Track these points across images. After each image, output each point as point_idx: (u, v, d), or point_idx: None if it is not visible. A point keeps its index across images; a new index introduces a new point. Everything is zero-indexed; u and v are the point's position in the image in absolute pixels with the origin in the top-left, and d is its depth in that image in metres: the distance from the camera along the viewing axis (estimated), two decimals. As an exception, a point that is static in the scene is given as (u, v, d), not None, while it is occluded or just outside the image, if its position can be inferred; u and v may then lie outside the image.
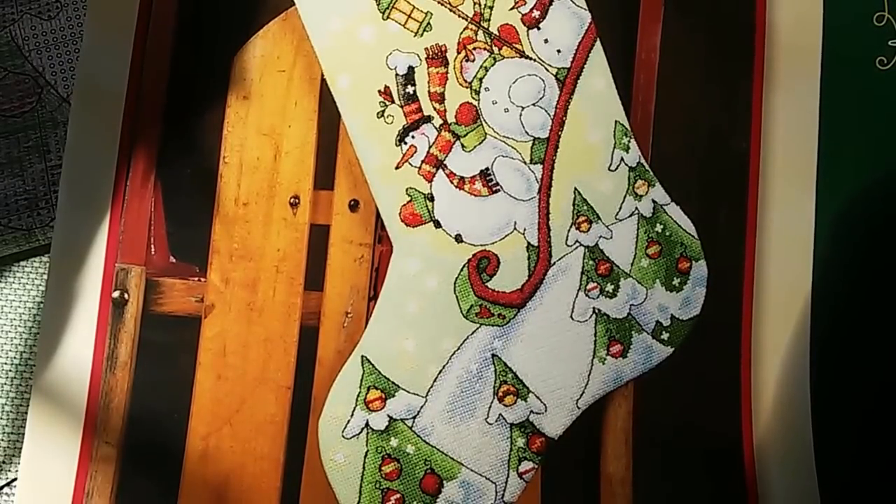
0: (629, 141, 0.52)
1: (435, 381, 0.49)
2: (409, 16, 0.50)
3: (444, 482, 0.49)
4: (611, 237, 0.51)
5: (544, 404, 0.50)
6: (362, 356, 0.49)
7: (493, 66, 0.51)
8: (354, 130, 0.50)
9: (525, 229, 0.51)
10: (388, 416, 0.49)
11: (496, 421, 0.50)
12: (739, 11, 0.55)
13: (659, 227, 0.52)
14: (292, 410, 0.51)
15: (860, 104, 0.55)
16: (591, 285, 0.51)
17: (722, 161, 0.54)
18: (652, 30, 0.54)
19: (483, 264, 0.50)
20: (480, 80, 0.51)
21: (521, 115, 0.51)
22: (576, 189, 0.51)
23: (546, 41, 0.51)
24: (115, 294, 0.51)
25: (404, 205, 0.50)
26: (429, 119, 0.50)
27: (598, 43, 0.51)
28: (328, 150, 0.52)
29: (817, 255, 0.54)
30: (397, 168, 0.50)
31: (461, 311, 0.50)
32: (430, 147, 0.50)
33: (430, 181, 0.50)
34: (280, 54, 0.53)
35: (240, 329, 0.51)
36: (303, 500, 0.50)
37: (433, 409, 0.49)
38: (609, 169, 0.52)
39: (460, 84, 0.50)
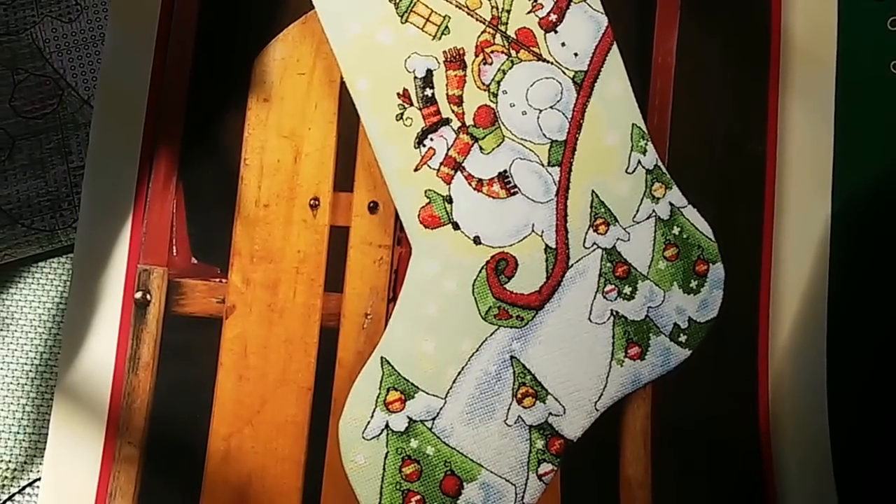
0: (646, 143, 0.52)
1: (454, 382, 0.49)
2: (427, 19, 0.50)
3: (465, 483, 0.49)
4: (628, 239, 0.52)
5: (563, 406, 0.50)
6: (382, 357, 0.49)
7: (510, 69, 0.51)
8: (373, 133, 0.50)
9: (543, 231, 0.51)
10: (408, 417, 0.49)
11: (515, 423, 0.50)
12: (755, 16, 0.55)
13: (676, 230, 0.52)
14: (313, 411, 0.51)
15: (875, 108, 0.55)
16: (608, 287, 0.51)
17: (738, 164, 0.54)
18: (668, 34, 0.54)
19: (501, 266, 0.50)
20: (498, 82, 0.51)
21: (538, 117, 0.51)
22: (593, 191, 0.51)
23: (563, 45, 0.51)
24: (138, 295, 0.52)
25: (423, 207, 0.50)
26: (447, 121, 0.50)
27: (614, 46, 0.52)
28: (348, 152, 0.53)
29: (834, 258, 0.54)
30: (416, 170, 0.50)
31: (480, 313, 0.50)
32: (448, 149, 0.50)
33: (449, 183, 0.50)
34: (300, 57, 0.53)
35: (261, 330, 0.51)
36: (324, 501, 0.50)
37: (453, 411, 0.49)
38: (626, 171, 0.52)
39: (478, 87, 0.51)
